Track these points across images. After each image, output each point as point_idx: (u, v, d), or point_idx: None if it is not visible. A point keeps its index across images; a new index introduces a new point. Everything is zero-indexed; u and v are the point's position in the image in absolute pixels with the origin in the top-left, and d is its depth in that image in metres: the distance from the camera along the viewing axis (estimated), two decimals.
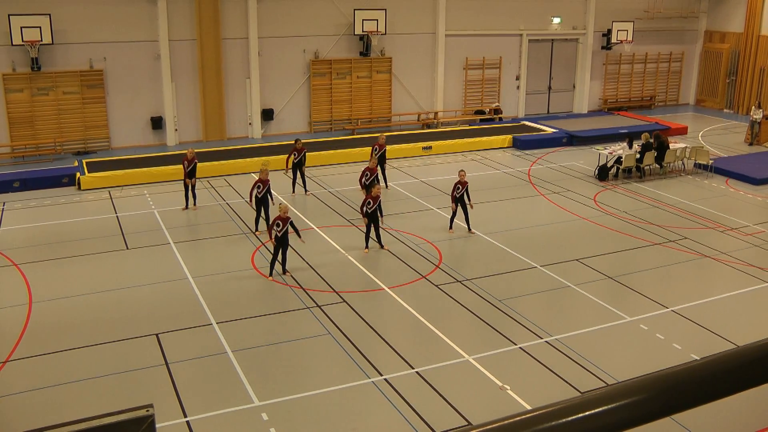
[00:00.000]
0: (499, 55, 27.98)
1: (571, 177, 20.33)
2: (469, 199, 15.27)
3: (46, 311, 11.77)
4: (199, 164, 17.93)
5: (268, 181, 15.18)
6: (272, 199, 15.44)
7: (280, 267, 13.18)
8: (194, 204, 17.12)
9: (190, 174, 16.83)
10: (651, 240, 15.28)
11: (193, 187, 17.01)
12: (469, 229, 15.46)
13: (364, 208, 14.11)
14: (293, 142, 18.32)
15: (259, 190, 15.03)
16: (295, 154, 17.86)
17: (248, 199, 15.60)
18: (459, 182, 15.16)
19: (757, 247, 14.94)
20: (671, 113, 30.35)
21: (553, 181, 19.79)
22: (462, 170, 15.41)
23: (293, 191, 18.18)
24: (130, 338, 10.82)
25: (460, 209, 15.27)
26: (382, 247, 14.48)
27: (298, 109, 25.34)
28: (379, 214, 14.50)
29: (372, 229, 14.27)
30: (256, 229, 15.41)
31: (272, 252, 13.08)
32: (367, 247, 14.36)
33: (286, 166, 18.03)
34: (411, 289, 12.64)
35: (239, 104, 24.37)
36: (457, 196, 15.16)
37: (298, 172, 18.06)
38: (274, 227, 12.79)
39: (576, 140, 24.48)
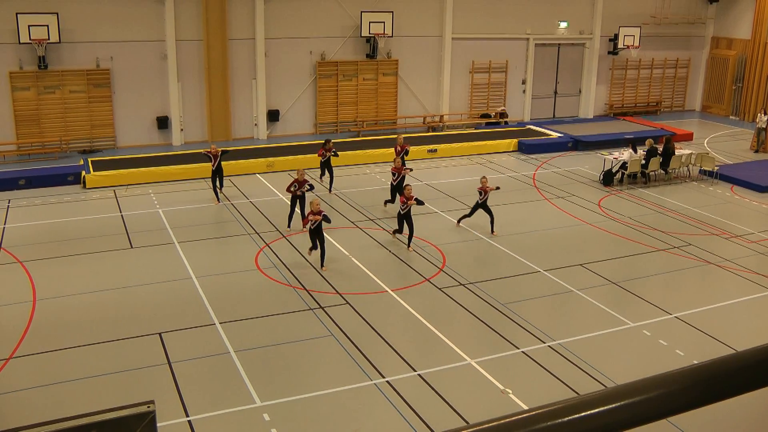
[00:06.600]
0: (505, 58, 27.99)
1: (575, 182, 20.30)
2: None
3: (50, 309, 11.80)
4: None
5: (306, 181, 15.42)
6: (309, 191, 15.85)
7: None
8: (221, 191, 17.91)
9: (219, 170, 17.48)
10: (655, 246, 15.25)
11: (221, 181, 17.70)
12: (492, 231, 15.56)
13: (399, 209, 14.64)
14: (323, 141, 19.04)
15: (296, 189, 15.34)
16: (323, 153, 18.41)
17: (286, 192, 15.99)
18: (482, 188, 15.26)
19: (761, 255, 14.90)
20: (677, 119, 30.28)
21: (558, 186, 19.77)
22: (484, 177, 15.52)
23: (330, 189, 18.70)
24: (133, 337, 10.84)
25: (477, 213, 15.44)
26: (408, 247, 14.70)
27: (303, 111, 25.37)
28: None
29: (406, 227, 14.59)
30: (288, 226, 15.58)
31: (310, 240, 13.57)
32: (408, 246, 14.69)
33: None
34: (414, 292, 12.65)
35: (245, 105, 24.41)
36: (480, 202, 15.25)
37: (326, 170, 18.63)
38: (309, 221, 13.35)
39: (581, 145, 24.46)
